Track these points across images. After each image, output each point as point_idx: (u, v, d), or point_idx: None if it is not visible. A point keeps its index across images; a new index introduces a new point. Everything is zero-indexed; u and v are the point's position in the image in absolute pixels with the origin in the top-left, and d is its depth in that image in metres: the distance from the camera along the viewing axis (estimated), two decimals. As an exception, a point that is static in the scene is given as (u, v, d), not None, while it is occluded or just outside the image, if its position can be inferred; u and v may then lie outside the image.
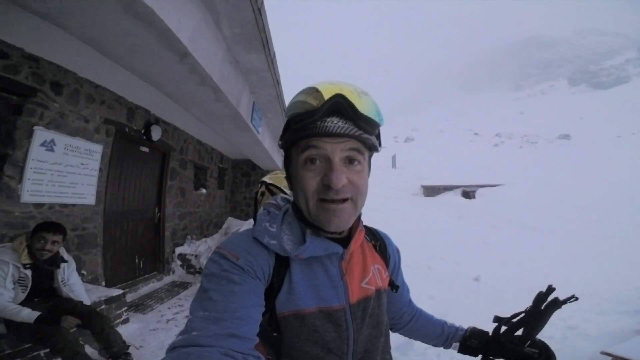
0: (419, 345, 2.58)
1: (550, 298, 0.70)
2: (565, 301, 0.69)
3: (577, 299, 0.70)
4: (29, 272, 2.22)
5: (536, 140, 28.96)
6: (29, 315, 2.07)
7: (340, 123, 0.56)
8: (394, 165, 18.74)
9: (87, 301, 2.54)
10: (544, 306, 0.70)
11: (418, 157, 21.88)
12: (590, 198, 9.35)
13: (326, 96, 0.55)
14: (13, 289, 2.14)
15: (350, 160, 0.59)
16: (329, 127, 0.56)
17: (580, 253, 6.00)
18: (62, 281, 2.43)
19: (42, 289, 2.34)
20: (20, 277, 2.18)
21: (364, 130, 0.58)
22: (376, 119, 0.58)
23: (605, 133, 26.25)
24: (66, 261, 2.47)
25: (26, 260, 2.21)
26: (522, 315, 0.73)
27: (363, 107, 0.56)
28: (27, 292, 2.21)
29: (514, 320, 0.74)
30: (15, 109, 2.68)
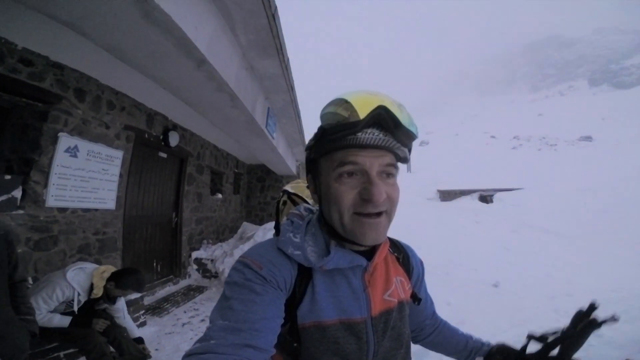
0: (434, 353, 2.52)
1: (590, 316, 0.65)
2: (604, 322, 0.64)
3: (617, 319, 0.65)
4: (83, 299, 2.24)
5: (556, 142, 28.21)
6: (61, 320, 2.14)
7: (381, 135, 0.55)
8: (409, 169, 18.57)
9: (131, 325, 2.61)
10: (580, 326, 0.66)
11: (433, 161, 21.62)
12: (615, 201, 8.99)
13: (365, 107, 0.54)
14: (57, 306, 2.17)
15: (386, 174, 0.59)
16: (369, 139, 0.55)
17: (606, 259, 5.75)
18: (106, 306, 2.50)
19: (85, 308, 2.36)
20: (72, 300, 2.21)
21: (402, 143, 0.57)
22: (415, 131, 0.58)
23: (629, 134, 25.25)
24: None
25: (98, 295, 2.26)
26: (558, 334, 0.68)
27: (404, 119, 0.55)
28: (69, 310, 2.22)
29: (549, 339, 0.69)
30: (41, 116, 2.79)
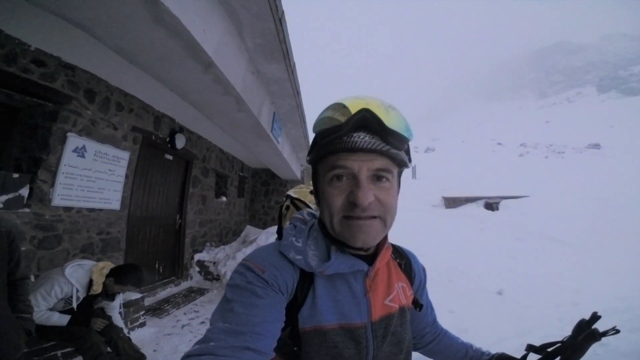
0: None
1: (592, 327, 0.65)
2: (605, 333, 0.64)
3: (618, 331, 0.64)
4: (81, 296, 2.26)
5: (563, 150, 27.98)
6: (60, 319, 2.15)
7: (367, 138, 0.55)
8: (414, 176, 18.46)
9: (121, 324, 2.60)
10: (581, 337, 0.65)
11: (439, 167, 21.46)
12: (623, 210, 8.84)
13: (352, 111, 0.54)
14: (56, 303, 2.18)
15: (378, 178, 0.58)
16: (355, 142, 0.54)
17: (613, 267, 5.65)
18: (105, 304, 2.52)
19: (83, 305, 2.37)
20: (71, 296, 2.22)
21: (392, 146, 0.56)
22: (405, 133, 0.56)
23: (639, 141, 24.94)
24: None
25: (98, 291, 2.27)
26: (558, 344, 0.68)
27: (391, 121, 0.55)
28: (68, 308, 2.23)
29: (549, 349, 0.69)
30: (50, 116, 2.83)
